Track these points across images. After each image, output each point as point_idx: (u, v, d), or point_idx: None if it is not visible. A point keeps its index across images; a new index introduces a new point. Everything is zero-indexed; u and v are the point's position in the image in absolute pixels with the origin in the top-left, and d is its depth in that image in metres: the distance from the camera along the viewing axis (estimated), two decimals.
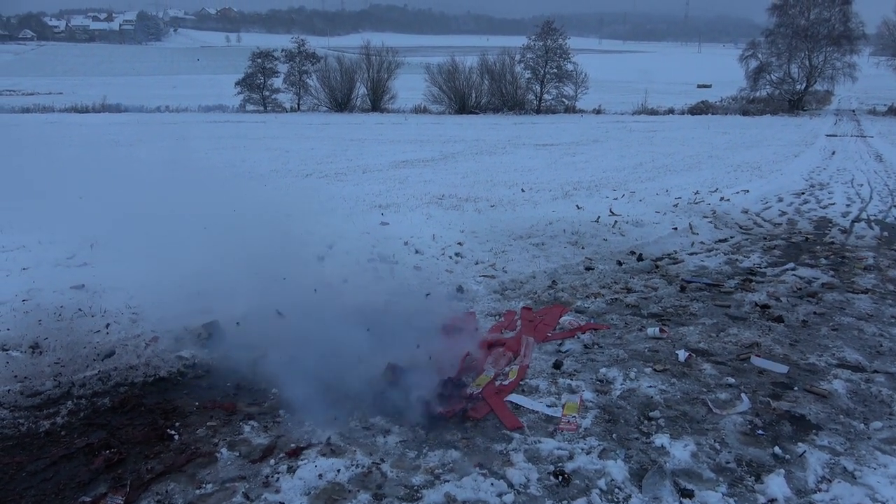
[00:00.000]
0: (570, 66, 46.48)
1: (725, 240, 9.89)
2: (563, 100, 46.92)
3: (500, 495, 3.48)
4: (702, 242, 9.55)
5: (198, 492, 3.47)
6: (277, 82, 45.61)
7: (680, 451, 3.90)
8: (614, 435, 4.11)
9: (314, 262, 7.27)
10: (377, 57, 46.05)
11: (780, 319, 6.17)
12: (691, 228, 10.21)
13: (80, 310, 5.77)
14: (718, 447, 3.98)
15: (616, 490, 3.55)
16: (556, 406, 4.46)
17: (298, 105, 45.63)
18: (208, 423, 4.14)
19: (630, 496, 3.50)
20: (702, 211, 12.05)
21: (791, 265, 8.22)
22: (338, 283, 6.66)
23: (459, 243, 8.44)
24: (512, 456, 3.84)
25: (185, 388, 4.66)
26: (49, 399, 4.42)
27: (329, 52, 56.68)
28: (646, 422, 4.29)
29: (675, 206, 12.73)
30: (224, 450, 3.84)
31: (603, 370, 4.99)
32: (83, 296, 6.13)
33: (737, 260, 8.57)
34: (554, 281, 7.29)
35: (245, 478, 3.60)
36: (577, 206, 12.51)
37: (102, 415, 4.23)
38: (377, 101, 45.43)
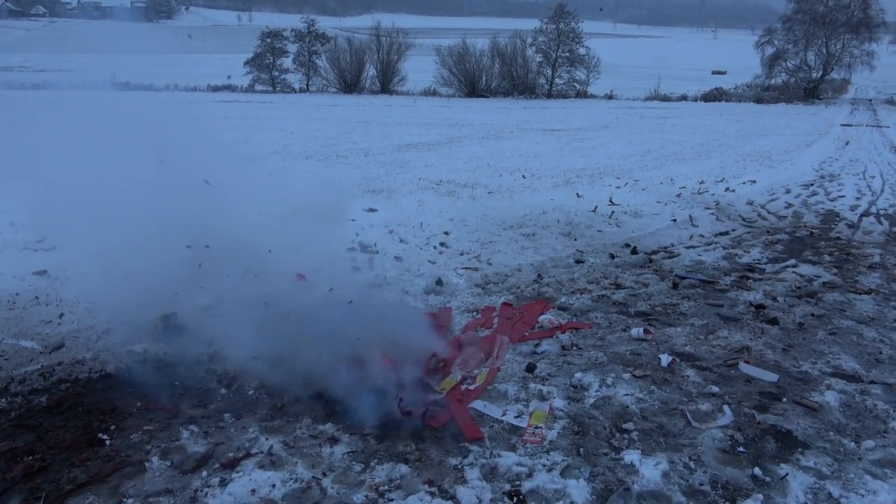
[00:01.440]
0: (582, 51, 45.73)
1: (726, 233, 9.50)
2: (575, 84, 46.20)
3: None
4: (701, 235, 9.16)
5: None
6: (287, 62, 45.17)
7: (650, 471, 3.59)
8: (581, 450, 3.79)
9: (289, 250, 6.96)
10: (387, 38, 45.47)
11: (774, 321, 5.81)
12: (691, 220, 9.82)
13: (36, 298, 5.52)
14: (693, 466, 3.66)
15: None
16: (523, 415, 4.15)
17: (308, 86, 45.22)
18: (145, 427, 3.87)
19: None
20: (705, 202, 11.64)
21: (792, 261, 7.84)
22: (310, 274, 6.37)
23: (446, 233, 8.12)
24: (466, 472, 3.54)
25: (131, 385, 4.38)
26: None
27: (339, 32, 56.10)
28: (618, 435, 3.97)
29: (679, 196, 12.33)
30: (155, 458, 3.56)
31: (578, 375, 4.66)
32: (43, 283, 5.88)
33: (736, 255, 8.19)
34: (540, 274, 6.96)
35: (172, 491, 3.32)
36: (577, 194, 12.15)
37: (36, 415, 3.97)
38: (386, 83, 44.92)
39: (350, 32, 55.68)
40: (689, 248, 8.51)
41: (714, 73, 64.42)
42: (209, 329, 5.12)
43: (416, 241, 7.76)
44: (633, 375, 4.70)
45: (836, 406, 4.37)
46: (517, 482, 3.49)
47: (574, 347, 5.16)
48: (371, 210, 9.22)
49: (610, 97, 45.97)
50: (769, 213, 11.09)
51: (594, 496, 3.39)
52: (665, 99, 44.86)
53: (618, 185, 13.54)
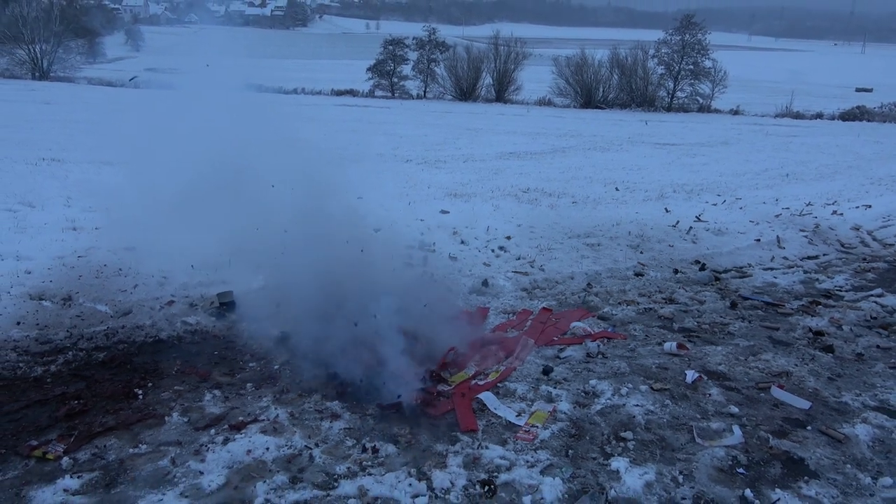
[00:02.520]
0: (707, 63, 43.72)
1: (816, 257, 8.91)
2: (698, 98, 44.25)
3: (414, 496, 3.35)
4: (785, 258, 8.66)
5: (132, 450, 3.63)
6: (406, 69, 46.59)
7: (633, 479, 3.56)
8: (570, 452, 3.82)
9: (351, 244, 7.36)
10: (505, 47, 45.73)
11: (830, 349, 5.46)
12: (778, 241, 9.29)
13: (120, 270, 6.22)
14: (681, 480, 3.59)
15: None
16: (524, 414, 4.22)
17: (425, 93, 46.40)
18: (175, 387, 4.32)
19: None
20: (803, 224, 10.92)
21: (878, 291, 7.25)
22: (364, 266, 6.70)
23: (508, 237, 8.21)
24: (449, 459, 3.68)
25: (176, 351, 4.88)
26: (56, 348, 4.80)
27: (459, 40, 57.11)
28: (614, 442, 3.96)
29: (777, 216, 11.64)
30: (176, 414, 3.99)
31: (594, 382, 4.66)
32: (130, 257, 6.58)
33: (816, 280, 7.69)
34: (590, 284, 6.91)
35: (181, 443, 3.71)
36: (665, 209, 11.79)
37: (91, 368, 4.54)
38: (502, 92, 45.17)
39: (469, 41, 56.54)
40: (766, 269, 8.08)
41: (858, 90, 59.37)
42: (256, 308, 5.57)
43: (476, 244, 7.93)
44: (651, 388, 4.62)
45: (866, 440, 4.09)
46: (495, 473, 3.59)
47: (600, 356, 5.13)
48: (443, 212, 9.47)
49: (736, 112, 43.63)
50: (874, 239, 10.24)
51: (566, 496, 3.42)
52: (797, 116, 41.96)
53: (714, 203, 12.98)
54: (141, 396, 4.17)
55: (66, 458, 3.49)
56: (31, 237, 6.97)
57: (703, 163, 21.66)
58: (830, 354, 5.38)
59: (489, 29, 54.42)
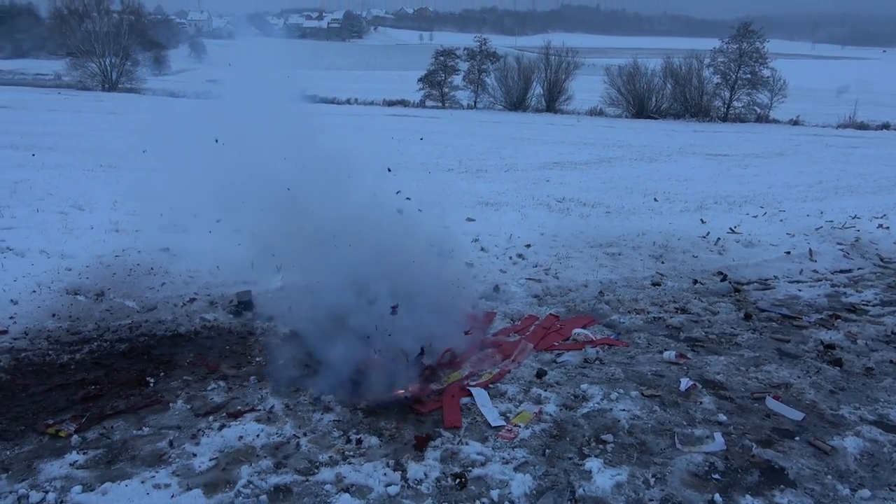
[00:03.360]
0: (766, 72, 42.57)
1: (849, 270, 8.68)
2: (755, 108, 43.12)
3: (387, 485, 3.53)
4: (814, 271, 8.48)
5: (135, 432, 3.93)
6: (457, 80, 47.02)
7: (604, 479, 3.65)
8: (548, 451, 3.93)
9: (370, 248, 7.61)
10: (556, 57, 45.65)
11: (838, 363, 5.37)
12: (810, 254, 9.08)
13: (151, 269, 6.63)
14: (652, 483, 3.66)
15: (506, 503, 3.43)
16: (510, 414, 4.35)
17: (475, 103, 46.71)
18: (184, 377, 4.63)
19: None
20: (843, 237, 10.63)
21: None
22: (377, 270, 6.94)
23: (527, 245, 8.32)
24: (427, 452, 3.85)
25: (192, 345, 5.21)
26: (83, 339, 5.19)
27: (510, 50, 57.26)
28: (594, 444, 4.05)
29: (818, 229, 11.36)
30: (180, 402, 4.29)
31: (585, 386, 4.74)
32: (162, 257, 7.01)
33: (843, 294, 7.52)
34: (602, 292, 6.96)
35: (181, 428, 4.00)
36: (701, 220, 11.67)
37: (112, 357, 4.90)
38: (552, 102, 45.08)
39: (520, 51, 56.63)
40: (791, 282, 7.94)
41: None
42: (271, 308, 5.86)
43: (495, 251, 8.07)
44: (642, 394, 4.68)
45: (854, 453, 4.05)
46: (469, 468, 3.73)
47: (597, 361, 5.21)
48: (469, 220, 9.65)
49: (795, 123, 42.32)
50: None
51: (534, 492, 3.54)
52: (862, 127, 40.38)
53: (755, 215, 12.75)
54: (152, 384, 4.49)
55: (75, 437, 3.82)
56: (77, 237, 7.49)
57: (754, 174, 21.17)
58: (838, 368, 5.30)
59: (542, 39, 54.36)
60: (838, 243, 10.05)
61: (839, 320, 6.50)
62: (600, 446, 4.01)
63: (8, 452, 3.68)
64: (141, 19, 47.76)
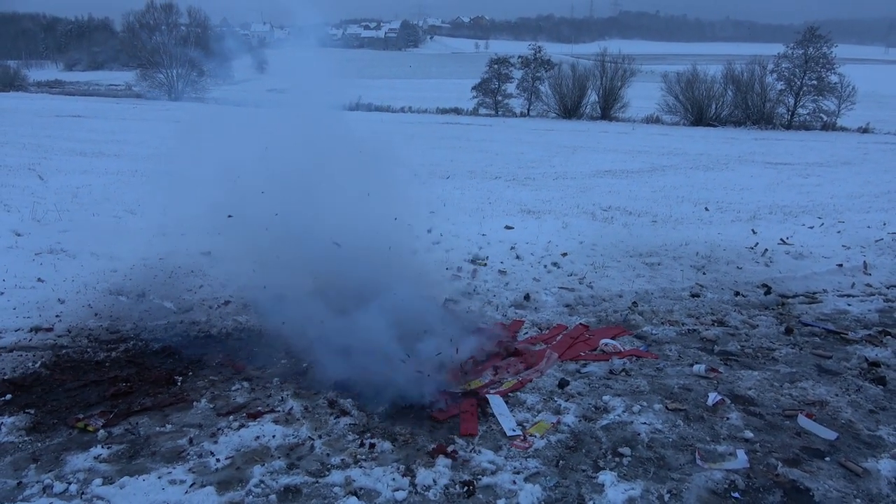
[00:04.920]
0: (833, 78, 40.90)
1: None
2: (821, 115, 41.46)
3: (395, 490, 3.55)
4: (868, 284, 8.08)
5: (158, 429, 4.07)
6: (511, 87, 46.96)
7: (617, 494, 3.57)
8: (561, 462, 3.87)
9: (407, 256, 7.68)
10: (612, 64, 45.03)
11: (882, 381, 5.11)
12: (865, 267, 8.67)
13: (191, 271, 6.87)
14: (667, 499, 3.56)
15: None
16: (527, 423, 4.31)
17: (528, 110, 46.52)
18: (210, 377, 4.77)
19: None
20: None
21: None
22: (413, 276, 6.99)
23: (564, 254, 8.23)
24: (438, 459, 3.84)
25: (222, 346, 5.36)
26: (121, 337, 5.42)
27: (564, 58, 56.80)
28: (609, 457, 3.96)
29: (877, 241, 10.84)
30: (204, 401, 4.41)
31: (607, 398, 4.65)
32: (204, 260, 7.24)
33: None
34: (636, 302, 6.81)
35: (202, 426, 4.12)
36: (752, 230, 11.30)
37: (145, 356, 5.09)
38: (607, 110, 44.46)
39: (575, 58, 56.14)
40: (841, 296, 7.59)
41: None
42: (302, 311, 5.97)
43: (531, 259, 8.01)
44: (666, 407, 4.56)
45: (889, 476, 3.84)
46: (479, 476, 3.71)
47: (623, 373, 5.10)
48: (507, 227, 9.61)
49: (864, 130, 40.49)
50: None
51: (542, 502, 3.49)
52: None
53: (811, 225, 12.26)
54: (179, 383, 4.64)
55: (102, 431, 3.98)
56: (125, 240, 7.81)
57: (816, 184, 20.37)
58: (881, 387, 5.04)
59: (598, 46, 53.75)
60: None
61: (889, 337, 6.18)
62: (616, 459, 3.93)
63: (39, 444, 3.87)
64: (206, 31, 49.55)
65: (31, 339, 5.25)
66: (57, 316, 5.69)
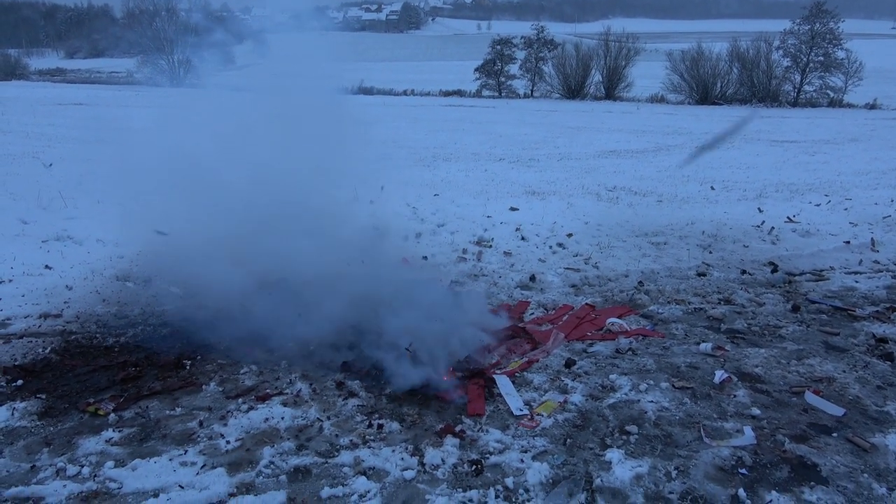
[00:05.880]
0: (840, 54, 40.46)
1: None
2: (828, 92, 41.08)
3: (403, 469, 3.57)
4: (875, 261, 8.04)
5: (168, 412, 4.10)
6: (514, 68, 46.63)
7: (624, 471, 3.59)
8: (569, 441, 3.89)
9: (411, 238, 7.69)
10: (616, 43, 44.62)
11: (889, 357, 5.10)
12: (872, 244, 8.63)
13: (197, 257, 6.85)
14: (674, 475, 3.57)
15: (520, 492, 3.42)
16: (534, 403, 4.32)
17: (532, 91, 46.23)
18: (219, 361, 4.80)
19: (529, 500, 3.35)
20: None
21: None
22: (417, 260, 7.00)
23: (569, 234, 8.21)
24: (446, 438, 3.87)
25: (230, 329, 5.35)
26: (129, 322, 5.45)
27: (568, 38, 56.29)
28: (617, 435, 3.98)
29: (885, 218, 10.78)
30: (213, 384, 4.44)
31: (614, 377, 4.67)
32: (210, 246, 7.21)
33: None
34: (641, 282, 6.80)
35: (211, 409, 4.15)
36: (759, 209, 11.25)
37: (154, 341, 5.12)
38: (611, 89, 44.14)
39: (579, 38, 55.64)
40: (849, 273, 7.57)
41: None
42: (308, 296, 5.98)
43: (536, 241, 8.00)
44: (673, 386, 4.57)
45: None
46: (487, 455, 3.73)
47: (629, 352, 5.11)
48: (512, 209, 9.59)
49: (872, 107, 40.09)
50: None
51: (551, 481, 3.51)
52: None
53: (818, 203, 12.19)
54: (188, 367, 4.67)
55: (113, 415, 4.02)
56: (131, 226, 7.81)
57: (823, 161, 20.24)
58: (888, 363, 5.03)
59: (602, 25, 53.19)
60: None
61: None
62: (623, 437, 3.95)
63: (51, 428, 3.91)
64: (207, 16, 49.30)
65: (40, 326, 5.29)
66: (65, 302, 5.72)
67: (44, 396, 4.23)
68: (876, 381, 4.74)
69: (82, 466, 3.53)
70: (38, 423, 3.96)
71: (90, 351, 4.90)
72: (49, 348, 4.90)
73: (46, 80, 55.90)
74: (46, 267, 6.42)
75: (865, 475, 3.62)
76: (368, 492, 3.39)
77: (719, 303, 6.36)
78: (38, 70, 63.96)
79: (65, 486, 3.36)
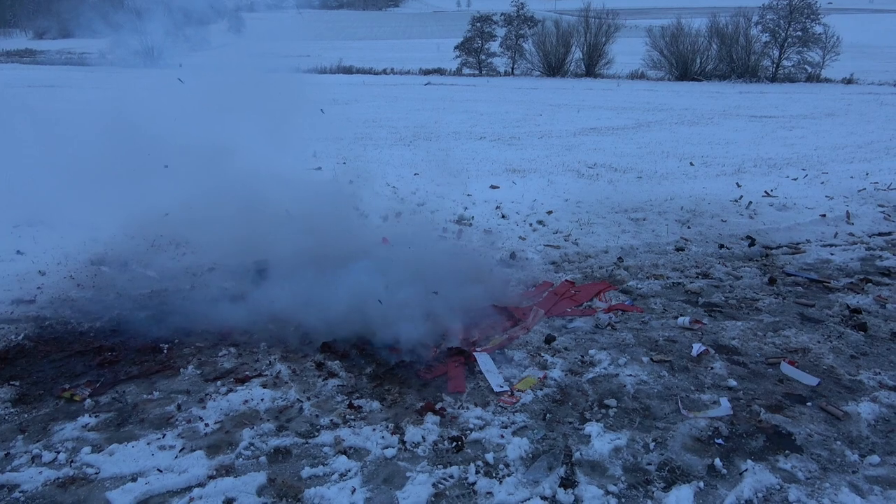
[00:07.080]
0: (818, 29, 40.65)
1: (889, 233, 8.32)
2: (806, 67, 41.32)
3: (384, 448, 3.57)
4: (850, 234, 8.15)
5: (146, 396, 4.06)
6: (494, 46, 46.29)
7: (603, 444, 3.62)
8: (548, 416, 3.92)
9: (391, 219, 7.64)
10: (596, 20, 44.43)
11: (863, 327, 5.19)
12: (848, 217, 8.73)
13: (173, 240, 6.78)
14: (652, 447, 3.62)
15: (501, 467, 3.44)
16: (514, 379, 4.34)
17: (513, 69, 45.98)
18: (197, 344, 4.75)
19: (510, 475, 3.37)
20: (886, 199, 10.18)
21: None
22: (396, 237, 6.96)
23: (549, 212, 8.21)
24: (427, 416, 3.87)
25: (207, 311, 5.29)
26: (104, 307, 5.36)
27: (549, 14, 55.97)
28: (596, 409, 4.01)
29: (860, 191, 10.91)
30: (191, 367, 4.40)
31: (593, 352, 4.70)
32: (187, 229, 7.11)
33: (879, 257, 7.22)
34: (621, 258, 6.83)
35: (189, 392, 4.11)
36: (737, 184, 11.33)
37: (130, 325, 5.04)
38: (592, 66, 44.01)
39: (559, 14, 55.32)
40: (824, 245, 7.66)
41: None
42: (286, 277, 5.93)
43: (516, 218, 7.99)
44: (652, 359, 4.61)
45: (868, 418, 3.93)
46: (467, 432, 3.75)
47: (609, 327, 5.14)
48: (493, 187, 9.57)
49: (849, 81, 40.42)
50: None
51: (530, 455, 3.54)
52: None
53: (795, 177, 12.30)
54: (165, 351, 4.62)
55: (89, 400, 3.97)
56: (108, 211, 7.68)
57: (800, 136, 20.39)
58: (862, 333, 5.12)
59: (582, 2, 52.91)
60: (879, 206, 9.64)
61: (870, 284, 6.26)
62: (602, 411, 3.98)
63: (26, 415, 3.85)
64: None
65: (12, 312, 5.20)
66: (38, 287, 5.62)
67: (17, 383, 4.16)
68: (850, 351, 4.82)
69: (58, 453, 3.48)
70: (11, 410, 3.90)
71: (65, 336, 4.83)
72: (22, 335, 4.82)
73: (15, 62, 54.50)
74: (18, 252, 6.30)
75: (839, 443, 3.69)
76: (349, 471, 3.39)
77: (697, 277, 6.42)
78: (5, 51, 62.27)
79: (41, 472, 3.32)
